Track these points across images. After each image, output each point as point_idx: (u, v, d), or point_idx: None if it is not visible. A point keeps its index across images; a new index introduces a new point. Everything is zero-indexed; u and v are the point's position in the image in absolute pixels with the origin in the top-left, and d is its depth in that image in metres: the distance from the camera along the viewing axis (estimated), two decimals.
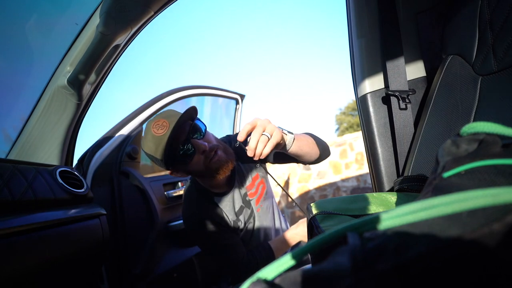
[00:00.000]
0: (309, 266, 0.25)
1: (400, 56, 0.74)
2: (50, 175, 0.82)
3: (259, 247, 1.03)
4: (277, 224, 1.17)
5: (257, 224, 1.07)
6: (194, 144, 0.84)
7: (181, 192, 1.52)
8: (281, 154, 0.71)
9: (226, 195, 1.01)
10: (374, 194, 0.55)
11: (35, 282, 0.66)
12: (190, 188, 1.04)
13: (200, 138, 0.87)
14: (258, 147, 0.63)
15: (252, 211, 1.06)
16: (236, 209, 1.03)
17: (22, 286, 0.63)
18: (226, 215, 1.01)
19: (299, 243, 1.08)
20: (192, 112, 0.86)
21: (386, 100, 0.78)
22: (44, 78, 0.97)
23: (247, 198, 1.06)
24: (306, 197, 4.26)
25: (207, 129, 0.90)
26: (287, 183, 4.46)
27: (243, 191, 1.05)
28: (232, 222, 1.01)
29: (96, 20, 0.86)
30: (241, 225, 1.03)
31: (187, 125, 0.85)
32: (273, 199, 1.19)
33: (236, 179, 1.05)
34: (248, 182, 1.07)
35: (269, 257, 0.99)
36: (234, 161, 0.93)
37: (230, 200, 1.02)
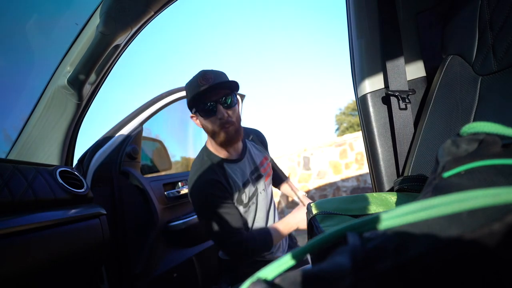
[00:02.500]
0: (309, 266, 0.25)
1: (400, 56, 0.74)
2: (50, 175, 0.82)
3: (258, 229, 1.03)
4: (271, 218, 1.14)
5: (257, 206, 1.07)
6: (218, 108, 0.94)
7: (182, 192, 1.52)
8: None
9: (237, 163, 1.05)
10: (374, 194, 0.55)
11: (35, 282, 0.66)
12: (201, 154, 1.07)
13: (226, 107, 0.95)
14: None
15: (256, 190, 1.06)
16: (244, 180, 1.03)
17: (22, 286, 0.63)
18: (233, 182, 1.01)
19: (296, 243, 1.08)
20: (235, 85, 0.97)
21: (386, 100, 0.78)
22: (44, 78, 0.97)
23: (257, 173, 1.08)
24: None
25: (237, 107, 1.01)
26: None
27: (253, 165, 1.09)
28: (237, 193, 1.01)
29: (96, 20, 0.86)
30: (244, 199, 1.02)
31: (224, 92, 0.95)
32: (271, 194, 1.18)
33: (248, 152, 1.10)
34: (259, 159, 1.13)
35: (267, 240, 0.98)
36: (241, 139, 1.05)
37: (240, 168, 1.04)
